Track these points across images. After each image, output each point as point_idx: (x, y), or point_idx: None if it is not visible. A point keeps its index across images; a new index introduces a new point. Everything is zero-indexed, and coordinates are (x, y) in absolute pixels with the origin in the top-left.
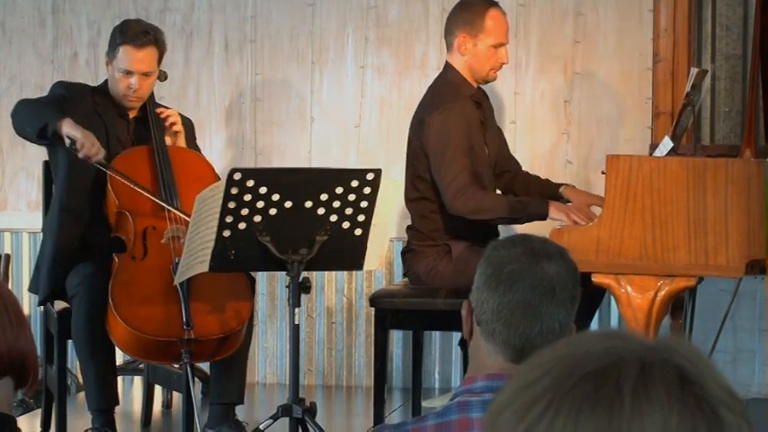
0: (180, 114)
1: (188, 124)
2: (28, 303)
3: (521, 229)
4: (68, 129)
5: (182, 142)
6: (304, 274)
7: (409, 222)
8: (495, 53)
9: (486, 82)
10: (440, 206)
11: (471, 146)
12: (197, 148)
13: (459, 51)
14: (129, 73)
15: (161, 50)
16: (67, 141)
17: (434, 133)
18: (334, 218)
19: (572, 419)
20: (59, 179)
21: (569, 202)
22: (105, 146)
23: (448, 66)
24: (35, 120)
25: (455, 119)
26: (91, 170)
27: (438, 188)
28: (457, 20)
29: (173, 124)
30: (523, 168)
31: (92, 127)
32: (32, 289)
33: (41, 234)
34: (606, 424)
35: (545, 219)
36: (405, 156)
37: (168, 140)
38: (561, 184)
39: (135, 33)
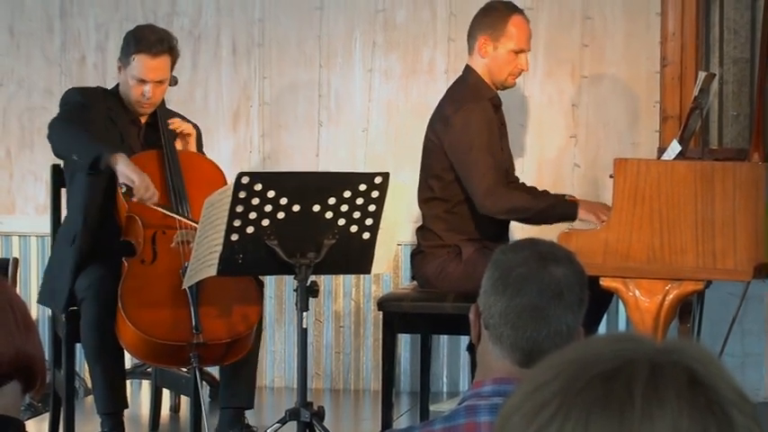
0: (188, 120)
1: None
2: (35, 307)
3: (527, 233)
4: (124, 169)
5: (192, 147)
6: (312, 277)
7: (417, 226)
8: (515, 59)
9: (505, 87)
10: (453, 206)
11: (494, 145)
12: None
13: (480, 54)
14: (142, 81)
15: (174, 58)
16: (123, 188)
17: (458, 132)
18: (342, 221)
19: (582, 422)
20: (80, 190)
21: None
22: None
23: (468, 68)
24: (86, 150)
25: (477, 118)
26: (106, 179)
27: (455, 188)
28: (479, 23)
29: (182, 131)
30: (531, 172)
31: (107, 134)
32: (43, 300)
33: (50, 239)
34: (617, 426)
35: (574, 219)
36: (412, 159)
37: (179, 145)
38: (563, 195)
39: (150, 42)
